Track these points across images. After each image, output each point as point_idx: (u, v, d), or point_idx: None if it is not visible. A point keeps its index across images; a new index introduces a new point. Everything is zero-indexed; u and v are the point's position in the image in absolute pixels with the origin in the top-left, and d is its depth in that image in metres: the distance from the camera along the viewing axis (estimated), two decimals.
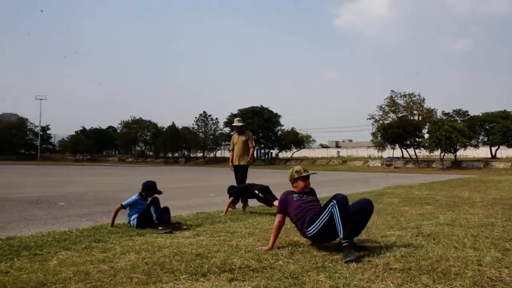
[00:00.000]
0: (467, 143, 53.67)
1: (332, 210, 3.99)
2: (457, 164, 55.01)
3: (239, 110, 76.87)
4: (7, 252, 4.03)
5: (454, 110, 63.69)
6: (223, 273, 3.30)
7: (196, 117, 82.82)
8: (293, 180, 4.70)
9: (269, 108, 76.57)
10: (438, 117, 61.23)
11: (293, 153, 78.96)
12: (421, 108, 60.27)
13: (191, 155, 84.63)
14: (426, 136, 58.72)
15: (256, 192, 7.45)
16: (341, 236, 3.88)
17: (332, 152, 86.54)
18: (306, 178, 4.66)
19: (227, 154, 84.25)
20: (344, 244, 3.82)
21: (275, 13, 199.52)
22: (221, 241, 4.64)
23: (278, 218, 4.48)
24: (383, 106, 62.07)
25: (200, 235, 5.07)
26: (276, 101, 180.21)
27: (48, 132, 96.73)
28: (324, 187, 16.65)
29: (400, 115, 61.61)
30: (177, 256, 3.86)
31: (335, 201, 4.00)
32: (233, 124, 9.20)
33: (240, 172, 8.78)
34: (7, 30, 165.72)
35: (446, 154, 55.39)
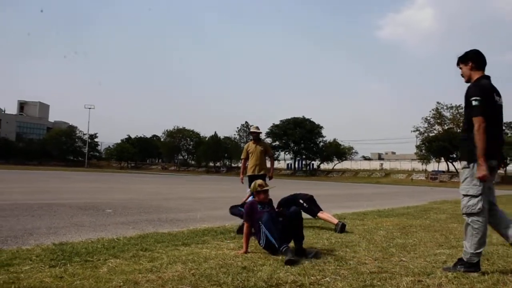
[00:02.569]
0: None
1: (263, 230, 4.72)
2: (508, 179, 52.73)
3: (281, 120, 77.21)
4: (60, 257, 4.16)
5: (504, 123, 61.33)
6: None
7: (237, 127, 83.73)
8: (256, 193, 5.29)
9: (311, 119, 76.29)
10: None
11: (335, 165, 78.14)
12: None
13: (232, 164, 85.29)
14: None
15: (301, 201, 7.38)
16: (277, 246, 4.50)
17: (375, 165, 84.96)
18: (266, 192, 5.29)
19: (268, 165, 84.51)
20: (282, 250, 4.40)
21: (317, 24, 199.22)
22: (266, 254, 4.62)
23: (245, 226, 5.00)
24: (428, 118, 60.71)
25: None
26: (318, 112, 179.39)
27: (96, 140, 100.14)
28: (369, 200, 16.37)
29: (446, 127, 59.93)
30: (223, 268, 3.87)
31: (261, 223, 4.75)
32: (252, 130, 8.54)
33: None
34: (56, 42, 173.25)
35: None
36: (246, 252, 4.74)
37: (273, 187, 5.62)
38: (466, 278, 3.69)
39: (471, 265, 3.87)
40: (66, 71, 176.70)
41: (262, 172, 8.23)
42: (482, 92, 3.86)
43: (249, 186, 8.18)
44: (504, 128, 58.24)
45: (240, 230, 5.93)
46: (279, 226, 4.76)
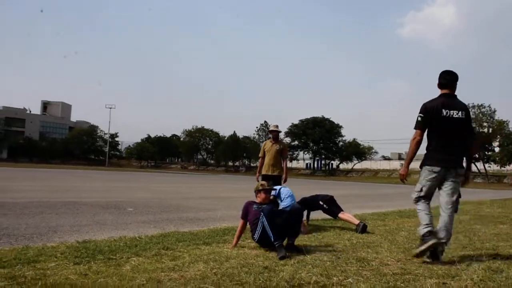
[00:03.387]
0: None
1: (262, 220, 4.84)
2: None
3: (300, 120, 76.95)
4: (84, 254, 4.23)
5: None
6: None
7: (257, 127, 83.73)
8: (257, 192, 5.47)
9: (331, 119, 75.88)
10: (511, 129, 57.86)
11: (354, 165, 77.58)
12: (491, 119, 57.29)
13: (251, 164, 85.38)
14: (497, 149, 55.70)
15: (321, 203, 7.35)
16: (273, 239, 4.67)
17: (395, 164, 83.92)
18: (267, 192, 5.51)
19: (288, 164, 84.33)
20: (276, 245, 4.61)
21: (335, 24, 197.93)
22: (289, 254, 4.61)
23: (240, 223, 5.27)
24: None
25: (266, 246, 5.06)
26: (338, 112, 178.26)
27: (116, 139, 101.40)
28: (389, 201, 16.21)
29: None
30: (244, 268, 3.88)
31: (262, 214, 4.88)
32: (272, 129, 8.31)
33: (274, 183, 7.50)
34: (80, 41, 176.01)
35: None
36: (235, 246, 5.07)
37: (274, 189, 6.02)
38: (492, 281, 3.62)
39: (424, 235, 4.46)
40: (87, 72, 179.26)
41: (276, 173, 7.95)
42: (426, 110, 4.63)
43: None
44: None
45: None
46: (278, 221, 4.89)
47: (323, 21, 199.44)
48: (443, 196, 4.63)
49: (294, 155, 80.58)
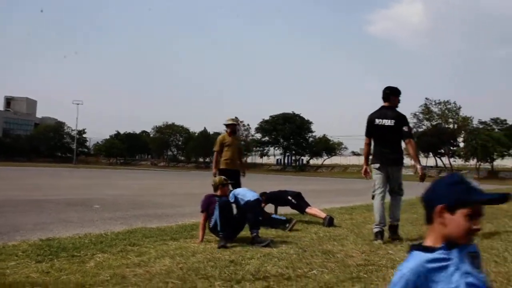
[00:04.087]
0: (505, 153, 52.11)
1: (215, 213, 5.01)
2: (494, 174, 53.41)
3: (270, 116, 77.07)
4: (47, 252, 4.15)
5: (491, 119, 61.69)
6: (257, 281, 3.29)
7: None
8: (220, 185, 5.55)
9: (301, 115, 76.40)
10: (474, 125, 59.69)
11: (324, 160, 78.44)
12: (456, 116, 58.95)
13: None
14: (462, 145, 57.39)
15: (289, 198, 7.42)
16: (218, 230, 4.90)
17: None
18: (227, 185, 5.68)
19: (258, 160, 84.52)
20: (220, 235, 4.87)
21: (303, 18, 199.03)
22: (254, 248, 4.64)
23: (202, 216, 5.30)
24: (417, 113, 61.09)
25: (233, 241, 5.08)
26: (308, 108, 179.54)
27: (84, 135, 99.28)
28: (358, 195, 16.46)
29: (434, 123, 60.45)
30: (211, 262, 3.88)
31: (218, 204, 5.06)
32: (230, 122, 7.96)
33: (234, 178, 7.34)
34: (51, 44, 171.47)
35: (482, 164, 53.93)
36: (202, 241, 5.05)
37: (232, 182, 6.18)
38: None
39: (375, 234, 5.38)
40: (54, 67, 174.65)
41: (237, 168, 7.77)
42: (367, 121, 5.77)
43: None
44: (491, 124, 58.57)
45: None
46: (231, 213, 5.11)
47: (293, 16, 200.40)
48: (389, 186, 5.75)
49: (265, 151, 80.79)
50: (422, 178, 5.56)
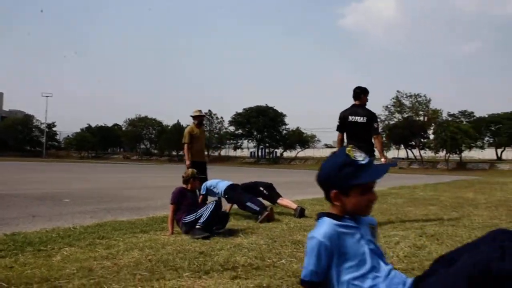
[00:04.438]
0: (472, 144, 53.52)
1: (209, 208, 5.03)
2: (462, 165, 54.84)
3: (244, 109, 77.02)
4: (11, 247, 4.05)
5: (459, 111, 63.33)
6: (226, 271, 3.30)
7: None
8: (192, 179, 5.53)
9: (274, 107, 76.56)
10: (444, 118, 61.05)
11: (298, 153, 78.95)
12: (426, 108, 60.10)
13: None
14: (432, 137, 58.61)
15: (261, 189, 7.45)
16: (202, 225, 4.87)
17: None
18: (198, 179, 5.69)
19: (231, 152, 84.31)
20: (202, 229, 4.81)
21: (278, 12, 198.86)
22: (224, 240, 4.64)
23: (171, 208, 5.20)
24: (388, 106, 61.99)
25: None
26: (281, 101, 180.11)
27: (54, 129, 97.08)
28: None
29: (405, 115, 61.50)
30: (180, 253, 3.87)
31: (215, 204, 5.13)
32: (198, 114, 7.98)
33: (202, 169, 7.46)
34: (7, 29, 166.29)
35: (451, 155, 55.24)
36: (172, 233, 5.00)
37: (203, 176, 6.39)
38: (415, 257, 3.84)
39: None
40: (21, 58, 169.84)
41: (203, 160, 7.99)
42: (340, 118, 6.38)
43: None
44: (459, 116, 60.02)
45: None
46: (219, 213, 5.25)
47: (268, 8, 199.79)
48: None
49: (238, 144, 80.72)
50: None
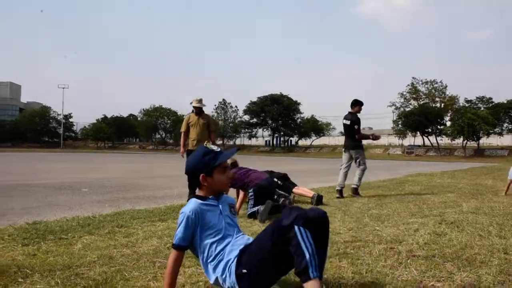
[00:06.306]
0: (491, 131, 52.74)
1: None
2: (480, 152, 54.11)
3: (258, 97, 76.92)
4: (34, 235, 4.12)
5: (477, 97, 62.12)
6: None
7: (215, 105, 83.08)
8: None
9: (289, 96, 76.26)
10: (461, 104, 60.17)
11: (313, 141, 78.73)
12: (443, 95, 59.34)
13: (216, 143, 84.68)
14: (448, 123, 57.87)
15: (275, 179, 7.42)
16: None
17: None
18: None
19: (246, 141, 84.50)
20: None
21: (296, 3, 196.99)
22: (243, 228, 4.64)
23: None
24: (404, 93, 61.38)
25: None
26: (296, 89, 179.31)
27: (71, 120, 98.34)
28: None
29: (421, 102, 60.76)
30: None
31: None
32: (194, 105, 7.82)
33: None
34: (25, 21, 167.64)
35: (468, 142, 54.55)
36: None
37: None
38: (435, 244, 3.79)
39: (336, 191, 8.09)
40: (38, 50, 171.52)
41: None
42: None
43: None
44: (477, 102, 58.96)
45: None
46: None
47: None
48: (353, 162, 8.45)
49: (253, 133, 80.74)
50: (375, 138, 8.97)
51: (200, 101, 7.83)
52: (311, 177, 14.71)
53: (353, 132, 8.30)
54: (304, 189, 7.26)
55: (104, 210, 6.11)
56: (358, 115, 8.45)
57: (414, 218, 5.34)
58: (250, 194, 5.79)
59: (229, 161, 5.67)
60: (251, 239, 2.48)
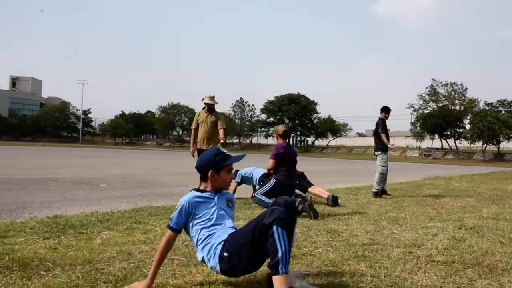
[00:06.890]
0: (511, 135, 51.73)
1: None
2: (500, 157, 53.19)
3: (275, 97, 76.71)
4: (54, 229, 4.18)
5: (498, 101, 60.91)
6: None
7: (232, 103, 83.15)
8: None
9: (306, 95, 75.94)
10: (481, 107, 59.13)
11: (329, 141, 78.31)
12: (463, 97, 58.35)
13: (227, 140, 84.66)
14: (468, 127, 56.98)
15: None
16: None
17: (369, 141, 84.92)
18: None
19: (263, 140, 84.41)
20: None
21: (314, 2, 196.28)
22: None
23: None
24: (423, 95, 60.53)
25: (239, 219, 5.10)
26: (313, 89, 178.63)
27: (89, 115, 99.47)
28: (362, 175, 16.46)
29: (440, 104, 59.93)
30: None
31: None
32: (206, 102, 7.63)
33: None
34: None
35: (488, 146, 53.64)
36: None
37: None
38: (455, 249, 3.75)
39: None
40: (59, 47, 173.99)
41: (211, 146, 7.35)
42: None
43: None
44: (497, 106, 57.96)
45: None
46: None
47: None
48: None
49: (270, 132, 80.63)
50: (392, 149, 9.54)
51: (212, 98, 7.66)
52: (327, 177, 14.64)
53: (378, 135, 9.01)
54: (319, 189, 7.24)
55: (122, 206, 6.18)
56: (387, 120, 9.18)
57: (432, 222, 5.28)
58: (269, 182, 6.14)
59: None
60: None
